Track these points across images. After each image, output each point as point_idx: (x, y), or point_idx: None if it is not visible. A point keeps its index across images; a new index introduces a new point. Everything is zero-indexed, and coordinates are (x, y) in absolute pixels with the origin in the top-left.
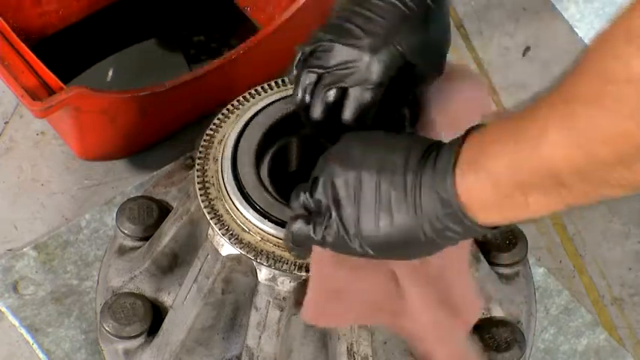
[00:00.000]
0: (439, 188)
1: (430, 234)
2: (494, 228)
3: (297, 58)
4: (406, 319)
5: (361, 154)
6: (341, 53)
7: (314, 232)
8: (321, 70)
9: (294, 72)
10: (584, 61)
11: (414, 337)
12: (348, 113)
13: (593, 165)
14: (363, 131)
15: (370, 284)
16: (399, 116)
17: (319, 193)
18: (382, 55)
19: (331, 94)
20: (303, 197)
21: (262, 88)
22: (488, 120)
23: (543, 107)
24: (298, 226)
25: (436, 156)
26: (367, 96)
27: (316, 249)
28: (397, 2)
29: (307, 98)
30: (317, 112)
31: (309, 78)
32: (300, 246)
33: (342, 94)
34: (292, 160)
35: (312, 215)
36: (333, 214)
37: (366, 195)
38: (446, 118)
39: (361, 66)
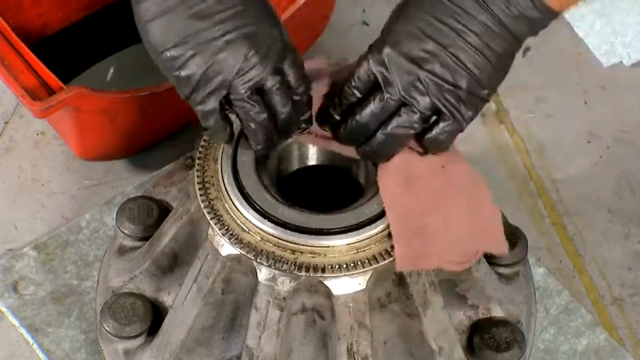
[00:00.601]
0: (529, 12)
1: (516, 28)
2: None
3: None
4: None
5: (418, 32)
6: None
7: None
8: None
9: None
10: None
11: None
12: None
13: None
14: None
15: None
16: None
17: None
18: None
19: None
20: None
21: None
22: None
23: None
24: (440, 129)
25: None
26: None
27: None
28: None
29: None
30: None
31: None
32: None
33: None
34: (292, 160)
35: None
36: (451, 83)
37: (455, 49)
38: None
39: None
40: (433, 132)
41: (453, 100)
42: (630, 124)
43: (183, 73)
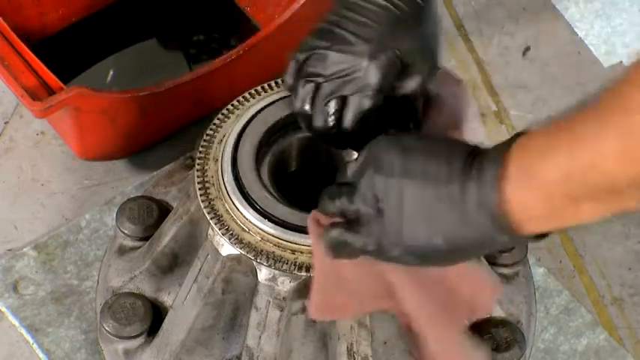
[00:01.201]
0: (487, 202)
1: (476, 245)
2: (541, 237)
3: (291, 66)
4: (404, 307)
5: (401, 162)
6: (337, 60)
7: (354, 241)
8: (319, 79)
9: (289, 80)
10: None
11: (412, 320)
12: (348, 121)
13: None
14: (398, 136)
15: (367, 276)
16: (402, 120)
17: (359, 201)
18: (380, 61)
19: (332, 105)
20: (340, 203)
21: (262, 88)
22: (531, 128)
23: (599, 115)
24: (336, 233)
25: (480, 164)
26: (367, 103)
27: (316, 245)
28: (388, 4)
29: (307, 108)
30: (319, 121)
31: (307, 88)
32: (338, 253)
33: (342, 102)
34: (292, 160)
35: (350, 223)
36: (375, 223)
37: (410, 206)
38: (445, 118)
39: (359, 73)
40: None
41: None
42: None
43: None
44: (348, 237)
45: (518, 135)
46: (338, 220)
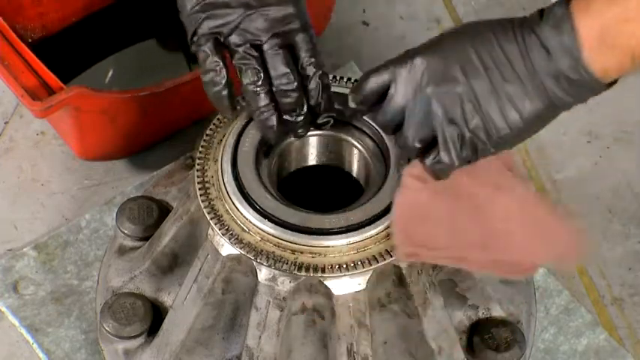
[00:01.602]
0: (566, 70)
1: (562, 108)
2: (610, 85)
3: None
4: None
5: (457, 68)
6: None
7: (449, 157)
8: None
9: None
10: None
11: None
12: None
13: None
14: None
15: (453, 208)
16: None
17: (435, 117)
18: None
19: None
20: (418, 121)
21: None
22: None
23: None
24: (431, 162)
25: (540, 38)
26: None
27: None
28: None
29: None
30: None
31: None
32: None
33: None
34: (292, 160)
35: (433, 143)
36: (463, 129)
37: (485, 98)
38: None
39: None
40: (426, 160)
41: (453, 134)
42: (630, 124)
43: (199, 29)
44: (443, 157)
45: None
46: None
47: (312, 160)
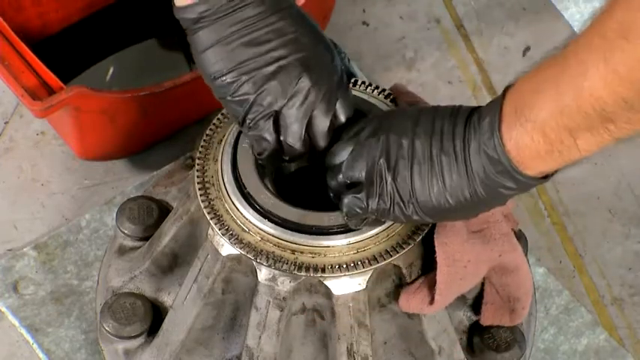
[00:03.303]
0: (487, 147)
1: (483, 194)
2: (546, 177)
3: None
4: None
5: (412, 124)
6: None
7: (366, 202)
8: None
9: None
10: None
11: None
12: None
13: (636, 91)
14: (411, 107)
15: (480, 253)
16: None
17: (371, 160)
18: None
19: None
20: (355, 160)
21: None
22: (519, 76)
23: (579, 48)
24: (350, 198)
25: (479, 117)
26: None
27: (444, 230)
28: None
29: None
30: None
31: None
32: (354, 217)
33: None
34: None
35: (360, 185)
36: (389, 180)
37: (420, 160)
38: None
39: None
40: (345, 197)
41: (379, 182)
42: None
43: (235, 98)
44: (360, 198)
45: (509, 86)
46: (342, 182)
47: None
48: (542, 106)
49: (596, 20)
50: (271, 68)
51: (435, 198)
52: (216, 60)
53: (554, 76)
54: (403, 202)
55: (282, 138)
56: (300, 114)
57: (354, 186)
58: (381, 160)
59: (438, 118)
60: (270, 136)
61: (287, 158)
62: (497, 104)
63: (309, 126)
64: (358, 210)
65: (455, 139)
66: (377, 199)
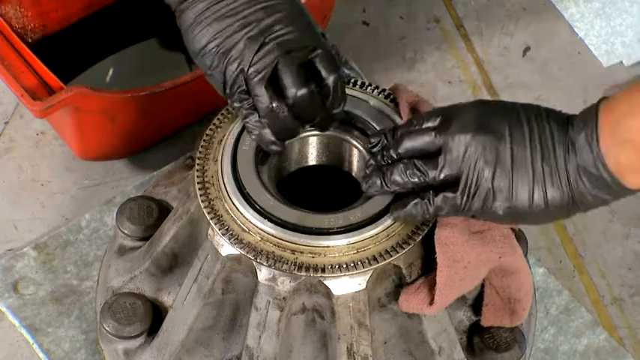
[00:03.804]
0: (586, 163)
1: (580, 205)
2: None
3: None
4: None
5: (507, 126)
6: None
7: (461, 201)
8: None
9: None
10: None
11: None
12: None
13: None
14: (492, 102)
15: (480, 253)
16: None
17: (468, 159)
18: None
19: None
20: (452, 156)
21: None
22: (612, 92)
23: None
24: (442, 198)
25: (574, 129)
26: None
27: (445, 230)
28: None
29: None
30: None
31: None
32: (438, 214)
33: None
34: (292, 160)
35: (454, 184)
36: (486, 184)
37: (518, 168)
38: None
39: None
40: (438, 196)
41: (475, 182)
42: None
43: (215, 71)
44: (455, 198)
45: (600, 100)
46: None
47: (311, 160)
48: (636, 127)
49: None
50: (239, 35)
51: (534, 205)
52: (196, 36)
53: None
54: (496, 205)
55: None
56: (260, 68)
57: (444, 184)
58: (480, 161)
59: (534, 123)
60: (247, 101)
61: (278, 129)
62: (593, 118)
63: (277, 81)
64: (448, 208)
65: (556, 150)
66: (470, 199)
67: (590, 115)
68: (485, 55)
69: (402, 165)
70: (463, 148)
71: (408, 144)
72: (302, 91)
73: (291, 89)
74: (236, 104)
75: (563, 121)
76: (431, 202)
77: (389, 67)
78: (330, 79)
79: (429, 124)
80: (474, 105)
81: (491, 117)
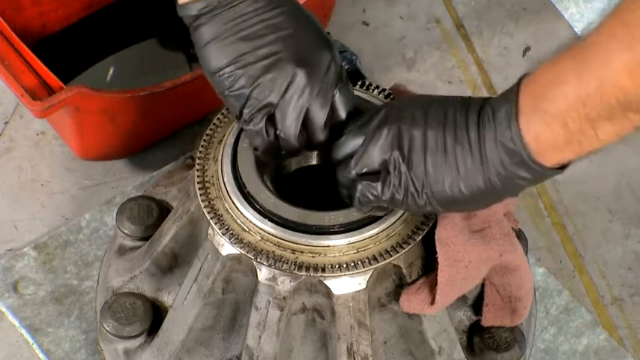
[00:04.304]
0: (504, 139)
1: (497, 184)
2: (562, 168)
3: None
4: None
5: (423, 113)
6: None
7: (382, 191)
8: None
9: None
10: None
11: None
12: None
13: None
14: (413, 95)
15: (480, 252)
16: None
17: (385, 150)
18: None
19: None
20: (368, 150)
21: None
22: (535, 69)
23: (601, 38)
24: (364, 186)
25: (493, 108)
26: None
27: (445, 230)
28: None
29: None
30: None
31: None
32: (366, 206)
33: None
34: (292, 159)
35: (375, 174)
36: (403, 170)
37: (434, 151)
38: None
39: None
40: (359, 184)
41: (393, 173)
42: None
43: (232, 92)
44: (374, 187)
45: (523, 76)
46: (359, 170)
47: (312, 159)
48: (562, 98)
49: (619, 10)
50: (266, 62)
51: (448, 188)
52: (214, 55)
53: (575, 67)
54: (417, 191)
55: (278, 132)
56: (294, 108)
57: (366, 175)
58: (395, 151)
59: (450, 108)
60: (265, 130)
61: (284, 153)
62: (512, 95)
63: (305, 120)
64: (371, 198)
65: (469, 129)
66: (391, 189)
67: (510, 91)
68: (486, 55)
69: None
70: (381, 140)
71: (341, 151)
72: (324, 136)
73: (319, 137)
74: (251, 127)
75: (483, 101)
76: (355, 191)
77: (389, 67)
78: (342, 113)
79: (358, 123)
80: (395, 100)
81: (409, 109)
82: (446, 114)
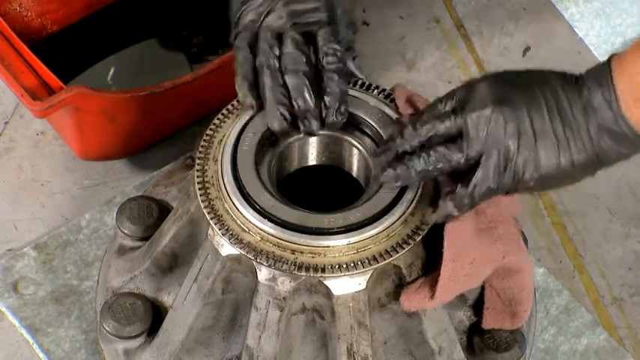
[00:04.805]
0: (609, 123)
1: (603, 161)
2: None
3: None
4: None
5: (521, 97)
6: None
7: (494, 180)
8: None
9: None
10: None
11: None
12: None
13: None
14: (495, 75)
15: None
16: None
17: (491, 138)
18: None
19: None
20: (471, 140)
21: None
22: (619, 52)
23: None
24: (480, 176)
25: (589, 90)
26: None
27: (455, 224)
28: None
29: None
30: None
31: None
32: (479, 200)
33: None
34: (292, 160)
35: (475, 165)
36: (513, 156)
37: (544, 137)
38: None
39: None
40: (462, 182)
41: (499, 158)
42: None
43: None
44: (484, 176)
45: (610, 57)
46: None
47: (312, 160)
48: None
49: None
50: None
51: (562, 170)
52: None
53: None
54: (526, 177)
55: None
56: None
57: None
58: (505, 136)
59: (547, 91)
60: (243, 50)
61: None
62: (607, 76)
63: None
64: (485, 188)
65: (574, 114)
66: (502, 176)
67: (604, 74)
68: (486, 55)
69: (424, 153)
70: (484, 126)
71: (429, 131)
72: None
73: (294, 65)
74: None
75: (575, 84)
76: (469, 186)
77: (389, 67)
78: (332, 63)
79: (447, 108)
80: (485, 80)
81: (506, 90)
82: (546, 100)
